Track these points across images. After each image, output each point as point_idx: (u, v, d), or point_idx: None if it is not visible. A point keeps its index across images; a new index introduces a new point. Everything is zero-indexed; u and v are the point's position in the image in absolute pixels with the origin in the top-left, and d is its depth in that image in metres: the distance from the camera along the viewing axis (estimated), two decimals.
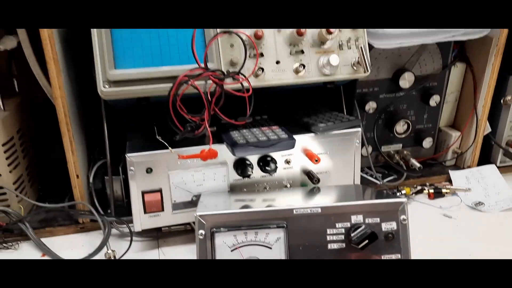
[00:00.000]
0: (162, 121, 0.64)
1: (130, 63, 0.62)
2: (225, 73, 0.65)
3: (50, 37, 0.65)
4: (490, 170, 0.96)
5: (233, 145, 0.66)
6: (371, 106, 0.90)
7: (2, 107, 0.77)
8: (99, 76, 0.62)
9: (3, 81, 0.84)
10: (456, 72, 0.95)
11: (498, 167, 0.97)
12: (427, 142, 0.97)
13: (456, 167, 1.00)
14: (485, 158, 1.00)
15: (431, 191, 0.89)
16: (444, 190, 0.89)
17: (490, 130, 0.97)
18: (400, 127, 0.94)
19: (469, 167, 0.98)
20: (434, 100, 0.93)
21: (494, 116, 0.97)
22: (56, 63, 0.67)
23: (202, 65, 0.63)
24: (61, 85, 0.69)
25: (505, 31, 0.86)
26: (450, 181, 0.95)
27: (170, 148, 0.66)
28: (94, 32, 0.61)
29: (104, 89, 0.62)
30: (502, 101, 0.94)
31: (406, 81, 0.89)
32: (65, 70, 0.71)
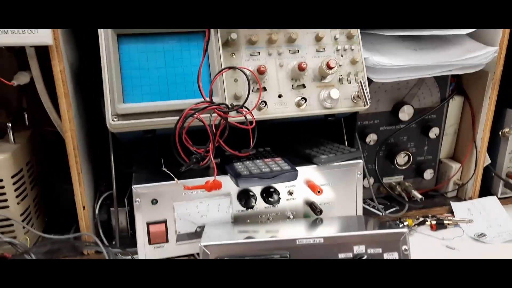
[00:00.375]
0: (168, 153, 0.66)
1: (138, 97, 0.65)
2: (230, 106, 0.67)
3: (62, 73, 0.68)
4: (491, 201, 0.97)
5: (237, 176, 0.68)
6: (371, 138, 0.92)
7: (12, 140, 0.79)
8: (108, 109, 0.64)
9: (14, 115, 0.86)
10: (455, 105, 0.98)
11: (499, 199, 0.97)
12: (428, 174, 0.98)
13: (458, 198, 1.01)
14: (486, 189, 1.01)
15: (434, 222, 0.90)
16: (446, 222, 0.90)
17: (489, 161, 0.98)
18: (401, 158, 0.96)
19: (470, 198, 0.99)
20: (433, 133, 0.95)
21: (494, 148, 0.98)
22: (67, 98, 0.70)
23: (208, 99, 0.65)
24: (71, 119, 0.71)
25: (501, 66, 0.89)
26: (452, 212, 0.96)
27: (176, 179, 0.68)
28: (105, 67, 0.64)
29: (112, 122, 0.64)
30: (500, 133, 0.96)
31: (406, 113, 0.92)
32: (75, 104, 0.74)
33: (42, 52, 0.69)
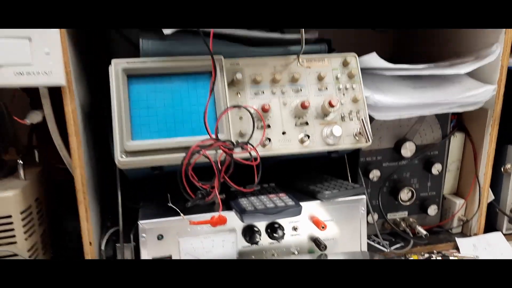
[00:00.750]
0: (174, 189, 0.68)
1: (146, 135, 0.67)
2: (235, 143, 0.69)
3: (73, 112, 0.70)
4: (496, 237, 0.96)
5: (241, 212, 0.69)
6: (375, 174, 0.93)
7: (23, 176, 0.81)
8: (117, 147, 0.66)
9: (25, 152, 0.89)
10: (456, 141, 0.99)
11: (504, 235, 0.97)
12: (432, 210, 0.98)
13: (463, 234, 1.01)
14: (490, 225, 1.01)
15: (439, 258, 0.89)
16: (452, 258, 0.90)
17: (493, 197, 0.99)
18: (405, 194, 0.96)
19: (475, 234, 0.99)
20: (436, 169, 0.96)
21: (496, 184, 0.99)
22: (78, 136, 0.72)
23: (213, 136, 0.67)
24: (81, 156, 0.73)
25: (499, 103, 0.91)
26: (457, 248, 0.95)
27: (182, 214, 0.69)
28: (115, 106, 0.66)
29: (121, 159, 0.66)
30: (502, 169, 0.97)
31: (408, 150, 0.93)
32: (84, 141, 0.76)
33: (54, 91, 0.72)
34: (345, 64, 0.78)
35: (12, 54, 0.64)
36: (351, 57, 0.79)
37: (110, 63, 0.68)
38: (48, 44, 0.65)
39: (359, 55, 0.80)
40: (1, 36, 0.63)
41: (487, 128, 0.93)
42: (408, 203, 0.97)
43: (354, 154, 0.87)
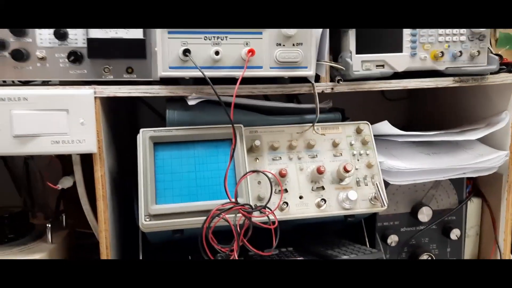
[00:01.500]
0: (194, 252, 0.70)
1: (170, 199, 0.71)
2: (253, 207, 0.71)
3: (102, 177, 0.75)
4: None
5: None
6: (392, 239, 0.93)
7: (50, 240, 0.84)
8: (142, 210, 0.69)
9: (53, 216, 0.93)
10: (473, 206, 0.99)
11: None
12: None
13: None
14: None
15: None
16: None
17: None
18: None
19: None
20: (454, 234, 0.95)
21: None
22: (105, 201, 0.76)
23: (233, 199, 0.70)
24: (106, 220, 0.77)
25: None
26: None
27: None
28: (141, 172, 0.71)
29: (145, 222, 0.69)
30: None
31: (425, 215, 0.93)
32: (110, 206, 0.80)
33: (84, 157, 0.77)
34: (358, 131, 0.82)
35: (51, 124, 0.70)
36: (364, 125, 0.83)
37: (137, 131, 0.73)
38: (83, 116, 0.71)
39: (372, 123, 0.84)
40: (41, 108, 0.70)
41: (503, 193, 0.94)
42: None
43: (371, 218, 0.88)
